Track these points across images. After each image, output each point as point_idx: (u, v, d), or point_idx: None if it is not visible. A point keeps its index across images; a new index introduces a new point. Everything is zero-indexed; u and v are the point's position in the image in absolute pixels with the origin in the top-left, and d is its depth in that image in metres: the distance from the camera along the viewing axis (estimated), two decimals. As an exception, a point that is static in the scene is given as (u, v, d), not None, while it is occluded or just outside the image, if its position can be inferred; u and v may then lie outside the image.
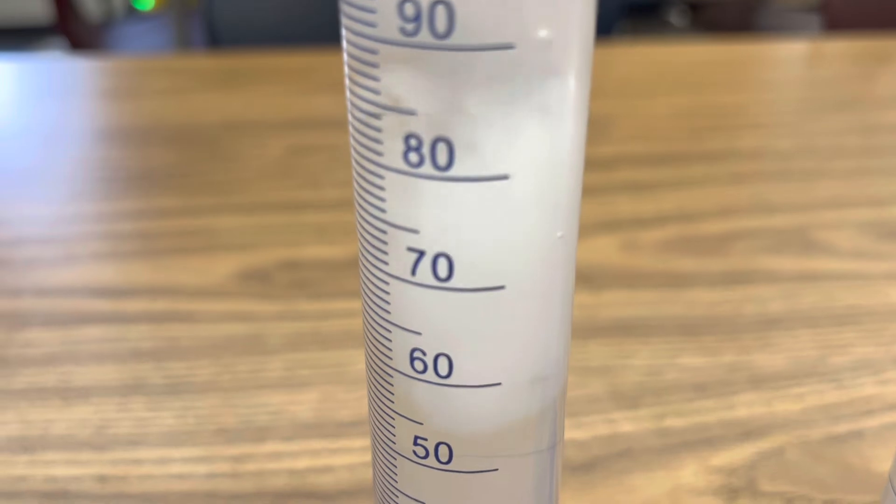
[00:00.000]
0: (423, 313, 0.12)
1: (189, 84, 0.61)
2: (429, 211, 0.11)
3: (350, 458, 0.26)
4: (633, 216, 0.41)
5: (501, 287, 0.12)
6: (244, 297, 0.35)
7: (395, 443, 0.14)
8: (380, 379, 0.13)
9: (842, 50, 0.69)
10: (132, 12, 2.06)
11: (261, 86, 0.60)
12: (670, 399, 0.29)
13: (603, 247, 0.39)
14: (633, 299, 0.35)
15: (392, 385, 0.13)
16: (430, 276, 0.12)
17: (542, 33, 0.10)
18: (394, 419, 0.13)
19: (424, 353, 0.12)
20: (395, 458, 0.14)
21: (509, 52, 0.10)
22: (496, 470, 0.13)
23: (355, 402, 0.29)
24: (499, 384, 0.12)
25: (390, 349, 0.13)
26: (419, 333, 0.12)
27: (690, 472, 0.26)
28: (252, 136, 0.51)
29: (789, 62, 0.69)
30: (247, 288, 0.35)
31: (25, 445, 0.27)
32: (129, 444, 0.27)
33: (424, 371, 0.12)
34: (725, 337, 0.32)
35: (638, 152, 0.49)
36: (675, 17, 1.95)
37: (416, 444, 0.13)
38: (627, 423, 0.28)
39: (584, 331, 0.33)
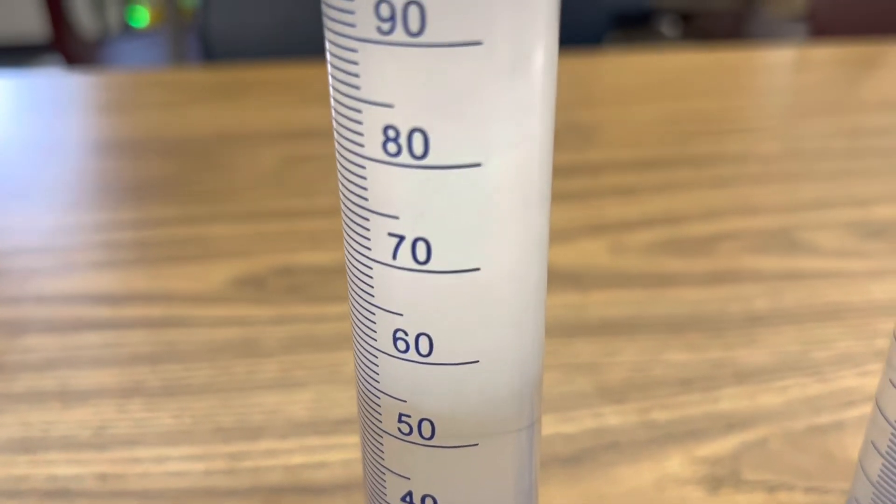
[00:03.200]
0: (405, 295, 0.13)
1: (184, 97, 0.62)
2: (407, 197, 0.12)
3: (344, 454, 0.27)
4: (620, 219, 0.42)
5: (477, 269, 0.13)
6: (239, 302, 0.35)
7: (381, 421, 0.14)
8: (366, 360, 0.14)
9: (827, 56, 0.70)
10: (127, 29, 2.07)
11: (255, 98, 0.61)
12: (656, 394, 0.30)
13: (590, 249, 0.39)
14: (619, 299, 0.35)
15: (377, 365, 0.14)
16: (410, 259, 0.12)
17: (509, 30, 0.11)
18: (379, 398, 0.14)
19: (406, 334, 0.13)
20: (381, 437, 0.14)
21: (478, 47, 0.11)
22: (476, 445, 0.14)
23: (349, 401, 0.29)
24: (477, 362, 0.13)
25: (375, 331, 0.13)
26: (401, 315, 0.13)
27: (676, 463, 0.27)
28: (246, 147, 0.52)
29: (776, 69, 0.70)
30: (242, 293, 0.36)
31: (26, 446, 0.28)
32: (128, 443, 0.28)
33: (407, 350, 0.13)
34: (710, 334, 0.33)
35: (625, 158, 0.50)
36: (666, 28, 1.97)
37: (400, 421, 0.14)
38: (614, 417, 0.29)
39: (571, 329, 0.33)
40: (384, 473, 0.15)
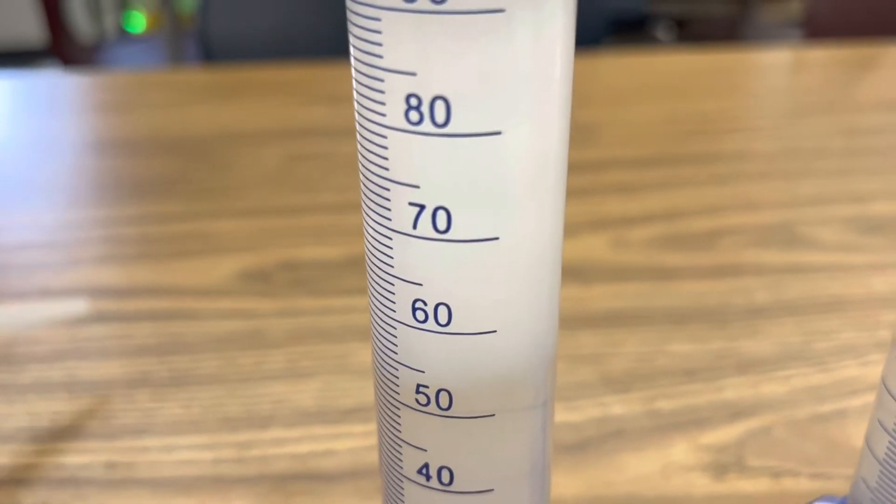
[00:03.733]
0: (424, 265, 0.13)
1: (186, 97, 0.62)
2: (428, 166, 0.12)
3: (351, 442, 0.27)
4: (621, 215, 0.42)
5: (496, 238, 0.13)
6: (245, 295, 0.36)
7: (398, 393, 0.14)
8: (384, 332, 0.14)
9: (824, 58, 0.71)
10: (124, 34, 2.07)
11: (257, 98, 0.61)
12: (660, 383, 0.30)
13: (593, 244, 0.40)
14: (622, 292, 0.36)
15: (396, 336, 0.14)
16: (430, 228, 0.13)
17: (530, -1, 0.11)
18: (397, 370, 0.14)
19: (426, 304, 0.13)
20: (399, 409, 0.15)
21: (500, 15, 0.11)
22: (493, 416, 0.14)
23: (356, 391, 0.30)
24: (494, 332, 0.13)
25: (394, 301, 0.14)
26: (420, 284, 0.13)
27: (680, 451, 0.27)
28: (250, 146, 0.52)
29: (773, 70, 0.71)
30: (248, 287, 0.36)
31: (34, 436, 0.28)
32: (136, 432, 0.28)
33: (426, 321, 0.13)
34: (713, 325, 0.33)
35: (625, 156, 0.50)
36: (662, 33, 1.98)
37: (418, 392, 0.14)
38: (619, 406, 0.29)
39: (575, 321, 0.33)
40: (401, 446, 0.15)
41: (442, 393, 0.14)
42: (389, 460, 0.16)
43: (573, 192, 0.46)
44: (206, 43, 0.88)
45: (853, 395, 0.29)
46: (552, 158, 0.13)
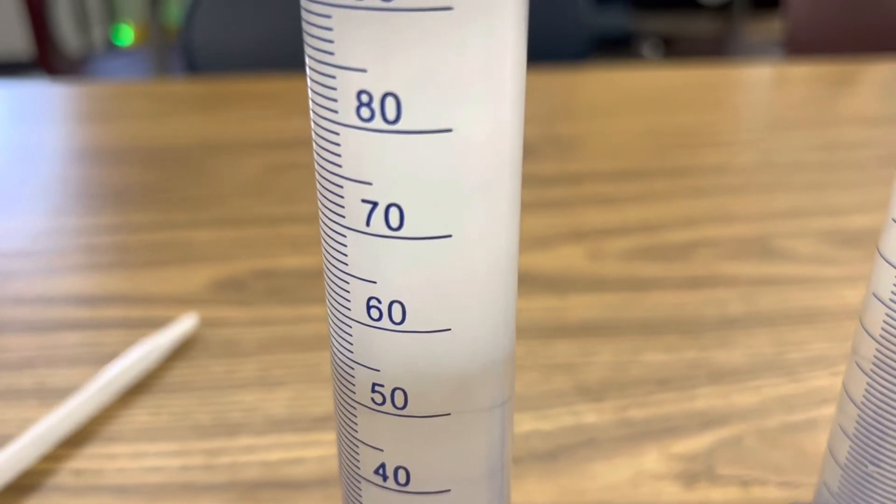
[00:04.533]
0: (378, 262, 0.13)
1: (167, 108, 0.62)
2: (380, 163, 0.12)
3: (322, 450, 0.27)
4: (598, 227, 0.43)
5: (448, 236, 0.13)
6: (219, 304, 0.35)
7: (354, 392, 0.14)
8: (340, 330, 0.14)
9: (804, 74, 0.72)
10: (111, 47, 2.07)
11: (238, 109, 0.61)
12: (633, 392, 0.30)
13: (569, 255, 0.40)
14: (598, 302, 0.36)
15: (351, 335, 0.14)
16: (383, 225, 0.13)
17: (479, -3, 0.11)
18: (353, 369, 0.14)
19: (380, 301, 0.13)
20: (355, 408, 0.15)
21: (448, 13, 0.11)
22: (448, 415, 0.14)
23: (328, 399, 0.29)
24: (449, 330, 0.13)
25: (349, 300, 0.14)
26: (374, 282, 0.13)
27: (651, 459, 0.27)
28: (229, 156, 0.52)
29: (754, 86, 0.72)
30: (222, 296, 0.36)
31: (1, 443, 0.27)
32: (105, 440, 0.28)
33: (380, 318, 0.13)
34: (687, 336, 0.33)
35: (605, 169, 0.50)
36: (647, 51, 1.99)
37: (373, 391, 0.14)
38: (591, 415, 0.29)
39: (550, 331, 0.34)
40: (357, 447, 0.15)
41: (397, 392, 0.14)
42: (347, 461, 0.15)
43: (552, 204, 0.46)
44: (189, 55, 0.88)
45: (823, 404, 0.29)
46: (505, 157, 0.13)
